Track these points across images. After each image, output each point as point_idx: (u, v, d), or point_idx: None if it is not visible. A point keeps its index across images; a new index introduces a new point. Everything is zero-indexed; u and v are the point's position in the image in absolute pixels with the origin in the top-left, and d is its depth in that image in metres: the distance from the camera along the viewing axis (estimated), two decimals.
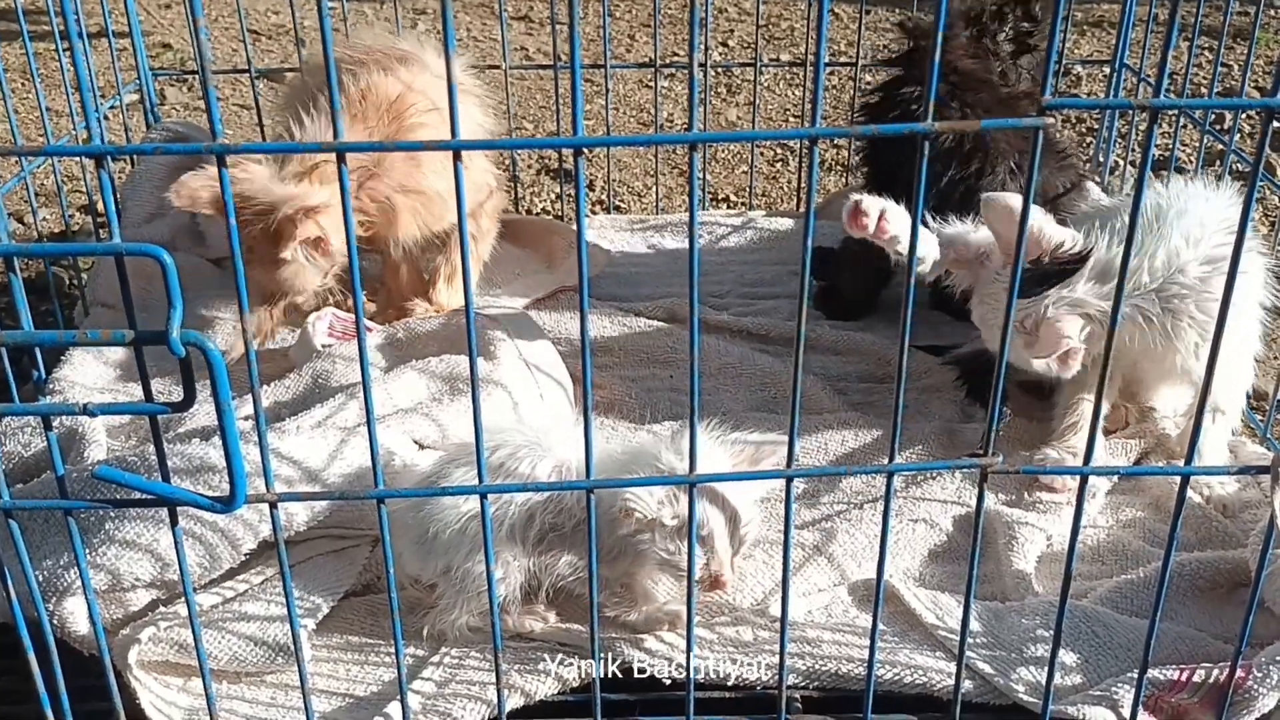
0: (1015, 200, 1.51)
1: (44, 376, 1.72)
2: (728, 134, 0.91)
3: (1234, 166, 2.17)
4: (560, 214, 2.84)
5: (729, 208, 2.97)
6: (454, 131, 0.91)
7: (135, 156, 2.32)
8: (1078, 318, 1.51)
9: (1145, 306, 1.52)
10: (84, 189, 2.69)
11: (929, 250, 1.61)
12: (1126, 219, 1.46)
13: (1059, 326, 1.50)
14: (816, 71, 0.89)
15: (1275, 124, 0.93)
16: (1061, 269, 1.51)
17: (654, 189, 2.72)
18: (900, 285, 2.10)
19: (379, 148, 1.01)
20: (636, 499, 1.24)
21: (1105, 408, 1.65)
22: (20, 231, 2.76)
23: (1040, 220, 1.55)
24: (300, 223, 1.63)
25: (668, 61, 3.89)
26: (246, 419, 1.53)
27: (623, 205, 2.98)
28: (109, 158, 0.93)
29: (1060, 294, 1.51)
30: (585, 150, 0.95)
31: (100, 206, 2.67)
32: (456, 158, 0.91)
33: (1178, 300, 1.51)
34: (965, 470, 1.56)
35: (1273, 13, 4.28)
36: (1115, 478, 1.64)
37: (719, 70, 3.66)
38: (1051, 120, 0.94)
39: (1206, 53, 3.79)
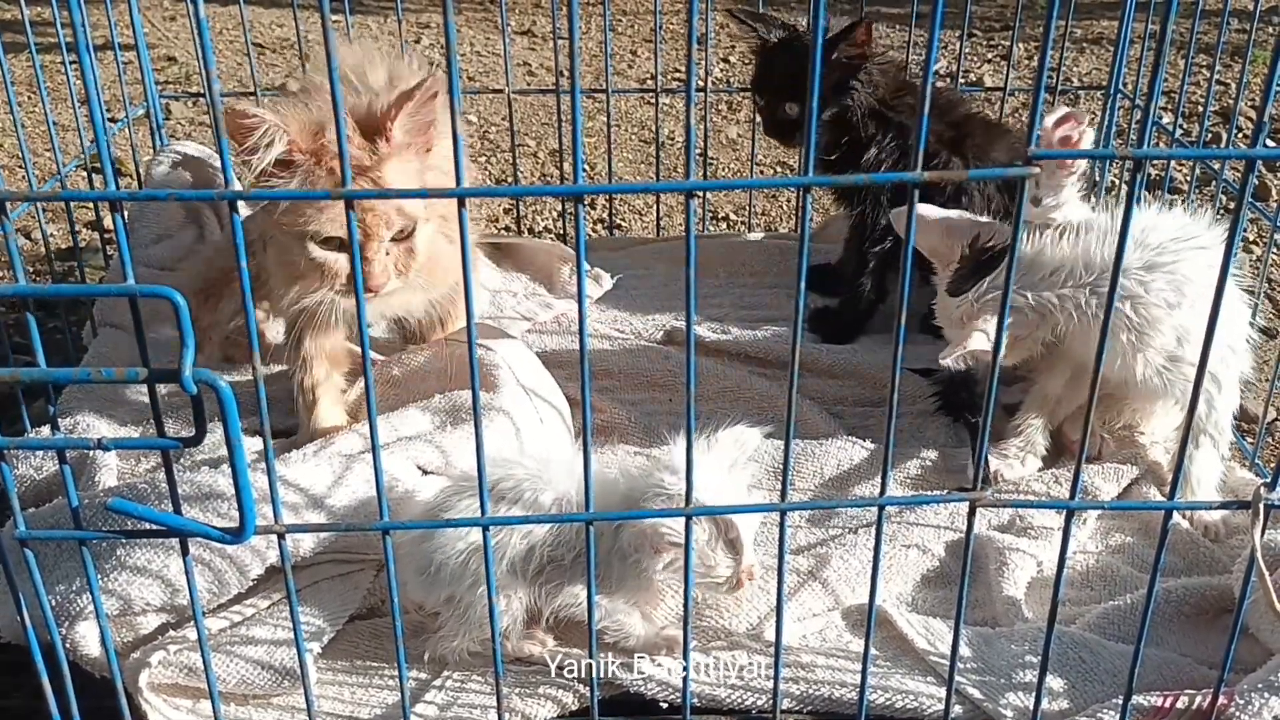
0: (925, 209, 1.65)
1: (56, 408, 1.75)
2: (723, 183, 0.95)
3: (1227, 188, 2.19)
4: (563, 231, 2.87)
5: (728, 227, 3.00)
6: (459, 179, 0.94)
7: (144, 173, 2.34)
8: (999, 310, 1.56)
9: (1079, 299, 1.56)
10: (91, 205, 2.72)
11: None
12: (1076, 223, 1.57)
13: (973, 324, 1.56)
14: (810, 124, 0.92)
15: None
16: (990, 259, 1.58)
17: (655, 207, 2.75)
18: (893, 306, 2.14)
19: (384, 195, 1.04)
20: (675, 533, 1.26)
21: (1040, 424, 1.77)
22: (28, 248, 2.79)
23: (946, 217, 1.63)
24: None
25: (669, 81, 3.93)
26: (256, 434, 1.56)
27: (623, 224, 3.01)
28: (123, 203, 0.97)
29: (985, 285, 1.57)
30: (585, 197, 0.98)
31: (107, 223, 2.71)
32: (461, 204, 0.94)
33: (1114, 301, 1.54)
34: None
35: (1270, 30, 4.31)
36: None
37: (720, 90, 3.69)
38: (1038, 170, 0.97)
39: (1204, 70, 3.83)
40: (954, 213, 1.67)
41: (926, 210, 1.66)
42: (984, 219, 1.67)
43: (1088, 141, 1.50)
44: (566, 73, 3.96)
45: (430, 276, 1.64)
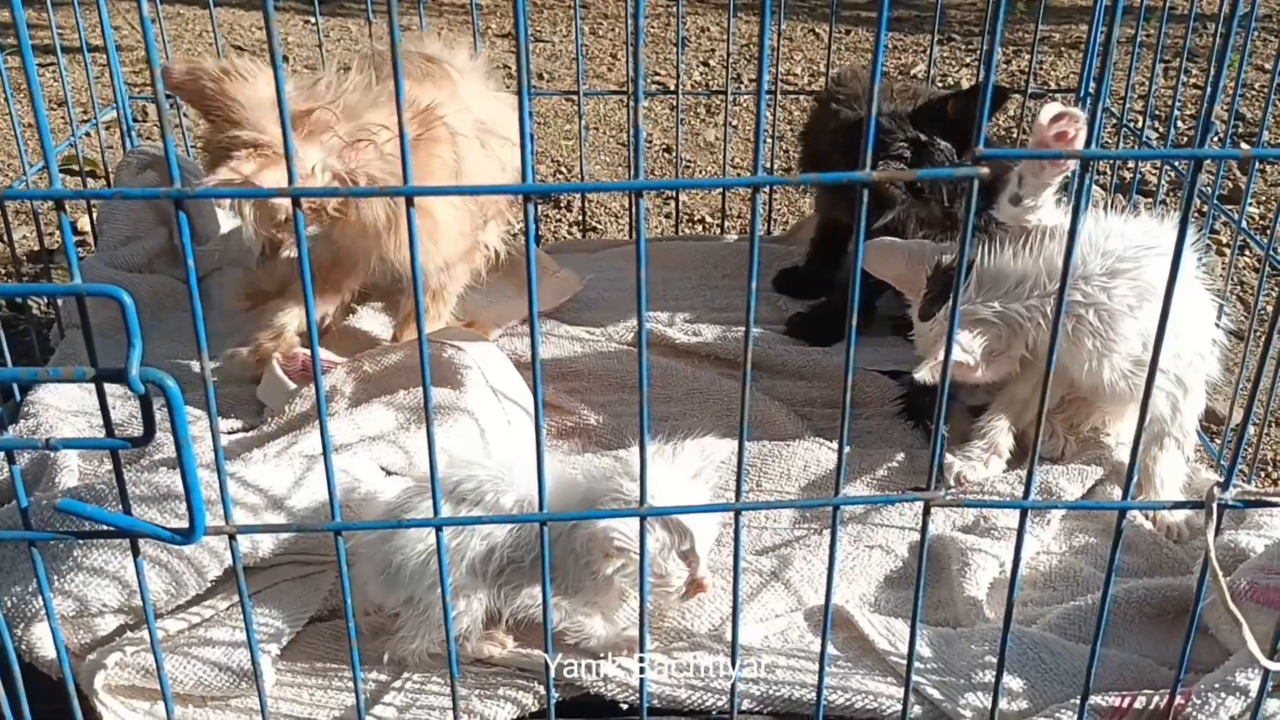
0: (887, 240, 1.73)
1: (19, 399, 1.75)
2: (666, 183, 0.94)
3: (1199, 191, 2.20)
4: (538, 231, 2.87)
5: (704, 229, 3.00)
6: (406, 177, 0.93)
7: (111, 175, 2.33)
8: (971, 326, 1.59)
9: (1044, 308, 1.57)
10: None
11: None
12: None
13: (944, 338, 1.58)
14: (756, 125, 0.92)
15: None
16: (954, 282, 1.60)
17: (630, 209, 2.75)
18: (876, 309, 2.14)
19: (333, 193, 1.04)
20: (623, 537, 1.25)
21: (1004, 425, 1.77)
22: None
23: (907, 245, 1.70)
24: (234, 159, 1.52)
25: (648, 84, 3.93)
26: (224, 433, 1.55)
27: (599, 226, 3.00)
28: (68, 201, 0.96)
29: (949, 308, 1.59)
30: (538, 196, 0.97)
31: (82, 224, 2.69)
32: (410, 203, 0.93)
33: (1079, 307, 1.56)
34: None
35: (1243, 34, 4.32)
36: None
37: (698, 93, 3.69)
38: (986, 170, 0.97)
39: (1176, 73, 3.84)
40: (914, 242, 1.74)
41: (888, 241, 1.70)
42: (935, 245, 1.75)
43: (1082, 139, 1.50)
44: (548, 74, 3.95)
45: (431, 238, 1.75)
